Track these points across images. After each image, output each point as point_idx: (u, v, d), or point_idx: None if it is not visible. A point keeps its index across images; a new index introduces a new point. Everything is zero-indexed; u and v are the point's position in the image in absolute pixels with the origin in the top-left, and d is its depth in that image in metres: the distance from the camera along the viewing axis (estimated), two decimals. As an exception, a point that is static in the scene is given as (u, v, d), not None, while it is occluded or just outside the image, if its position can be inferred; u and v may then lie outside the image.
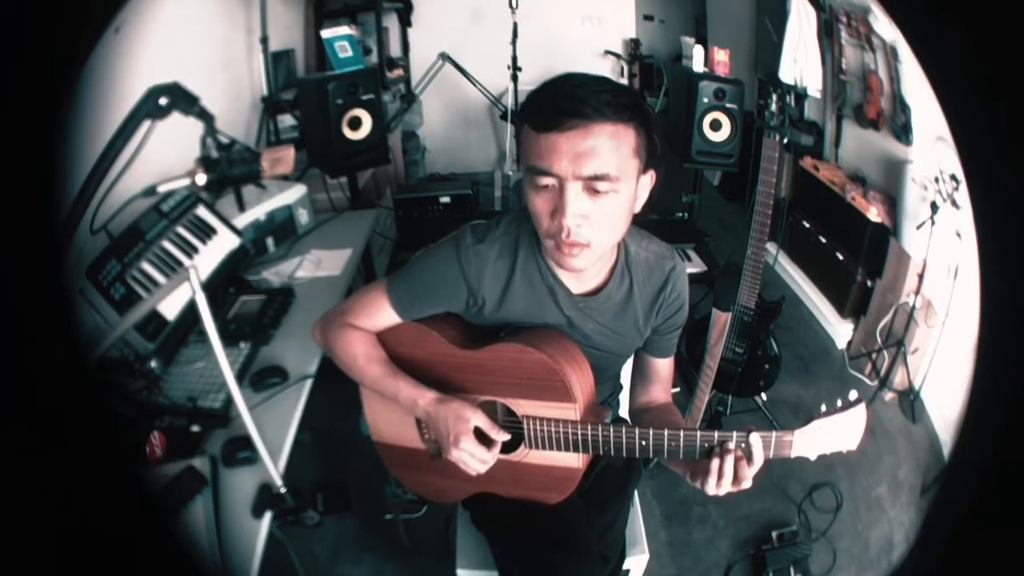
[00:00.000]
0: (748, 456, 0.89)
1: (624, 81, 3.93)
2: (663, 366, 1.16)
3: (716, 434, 0.90)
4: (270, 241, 1.86)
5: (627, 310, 1.04)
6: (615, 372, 1.21)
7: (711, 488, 0.90)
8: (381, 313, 1.05)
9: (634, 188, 0.88)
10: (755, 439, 0.88)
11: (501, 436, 0.99)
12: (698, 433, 0.91)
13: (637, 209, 0.92)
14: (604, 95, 0.81)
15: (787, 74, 2.73)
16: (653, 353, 1.14)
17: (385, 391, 1.05)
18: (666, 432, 0.93)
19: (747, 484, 0.89)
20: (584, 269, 0.93)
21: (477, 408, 0.99)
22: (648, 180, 0.91)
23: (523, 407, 1.01)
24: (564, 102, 0.80)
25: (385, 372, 1.04)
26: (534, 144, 0.83)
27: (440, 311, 1.05)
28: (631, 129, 0.83)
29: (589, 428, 0.97)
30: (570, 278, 1.00)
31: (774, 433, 0.89)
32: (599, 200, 0.84)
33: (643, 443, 0.94)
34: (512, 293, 1.00)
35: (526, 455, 1.04)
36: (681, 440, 0.92)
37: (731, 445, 0.89)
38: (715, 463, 0.89)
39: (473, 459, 0.98)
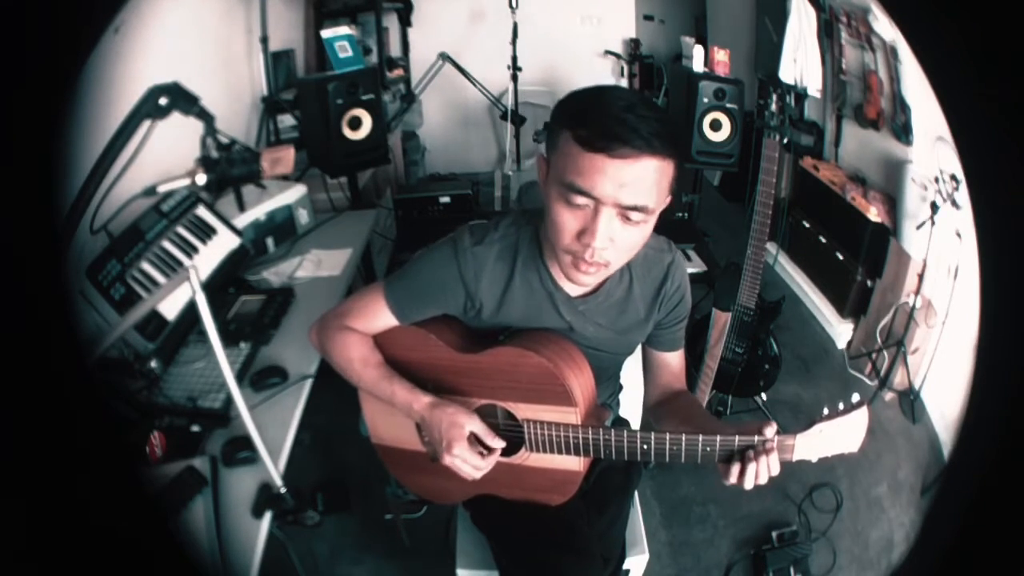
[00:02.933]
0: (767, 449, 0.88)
1: (624, 81, 3.93)
2: (674, 359, 1.15)
3: (718, 438, 0.90)
4: (270, 241, 1.86)
5: (628, 308, 1.04)
6: (616, 371, 1.21)
7: (748, 482, 0.89)
8: (378, 316, 1.04)
9: (657, 216, 0.87)
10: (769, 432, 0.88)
11: (497, 443, 0.99)
12: (700, 437, 0.90)
13: None
14: (654, 123, 0.78)
15: (787, 74, 2.73)
16: (662, 348, 1.13)
17: (381, 395, 1.04)
18: (668, 436, 0.92)
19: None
20: (592, 284, 0.94)
21: (473, 414, 0.99)
22: (664, 202, 0.90)
23: (523, 411, 1.00)
24: (617, 126, 0.78)
25: (381, 376, 1.04)
26: (576, 160, 0.80)
27: (438, 313, 1.04)
28: (672, 164, 0.83)
29: (590, 432, 0.96)
30: (570, 283, 1.00)
31: (776, 437, 0.88)
32: (628, 227, 0.83)
33: (644, 447, 0.94)
34: (511, 297, 1.00)
35: (527, 458, 1.04)
36: (683, 444, 0.91)
37: (770, 445, 0.88)
38: (751, 464, 0.88)
39: (467, 465, 0.97)
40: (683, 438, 0.91)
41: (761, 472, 0.88)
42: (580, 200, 0.82)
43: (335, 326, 1.07)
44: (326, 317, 1.10)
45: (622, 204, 0.80)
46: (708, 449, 0.91)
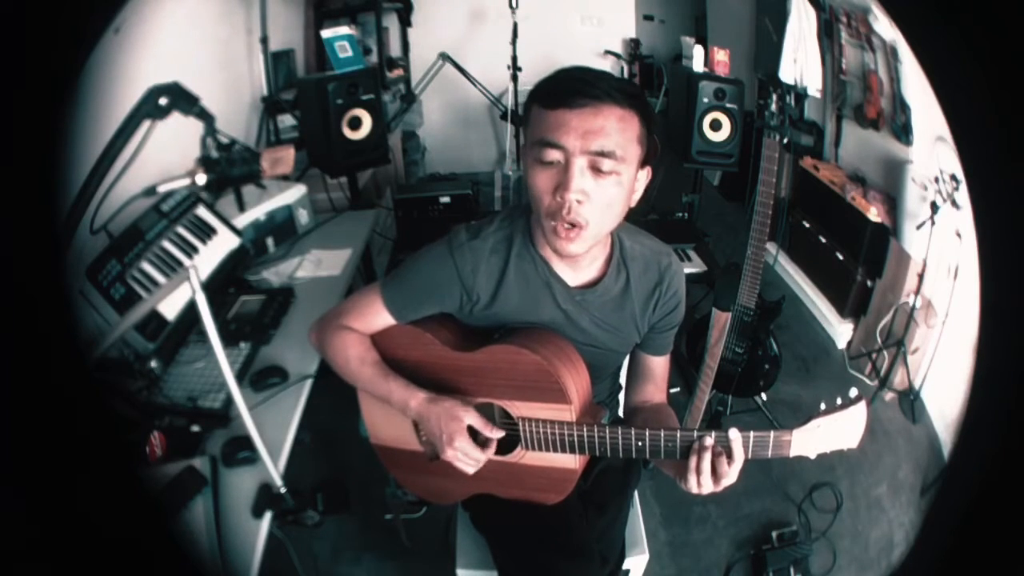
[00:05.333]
0: (728, 453, 0.89)
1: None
2: (658, 364, 1.15)
3: (712, 434, 0.90)
4: (270, 241, 1.86)
5: (624, 304, 1.05)
6: (613, 369, 1.21)
7: (692, 486, 0.91)
8: (376, 316, 1.05)
9: (633, 177, 0.90)
10: (734, 434, 0.88)
11: (495, 433, 0.99)
12: (694, 432, 0.91)
13: (633, 203, 0.94)
14: (612, 81, 0.86)
15: (787, 74, 2.73)
16: (648, 351, 1.14)
17: (377, 393, 1.05)
18: (662, 432, 0.92)
19: (729, 481, 0.90)
20: (580, 254, 0.94)
21: (470, 407, 0.99)
22: (645, 176, 0.94)
23: (519, 409, 1.00)
24: (576, 83, 0.85)
25: (377, 373, 1.04)
26: (543, 120, 0.86)
27: (435, 311, 1.05)
28: (636, 117, 0.87)
29: (585, 429, 0.96)
30: (566, 271, 1.00)
31: (772, 433, 0.89)
32: (601, 181, 0.86)
33: (639, 444, 0.94)
34: (506, 289, 1.00)
35: (523, 456, 1.04)
36: (678, 441, 0.92)
37: (708, 442, 0.89)
38: (692, 460, 0.90)
39: (467, 458, 0.98)
40: (677, 434, 0.92)
41: (697, 471, 0.89)
42: (551, 155, 0.86)
43: (333, 326, 1.08)
44: (325, 318, 1.11)
45: (590, 150, 0.84)
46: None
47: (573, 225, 0.88)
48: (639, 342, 1.12)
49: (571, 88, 0.84)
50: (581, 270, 1.01)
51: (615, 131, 0.85)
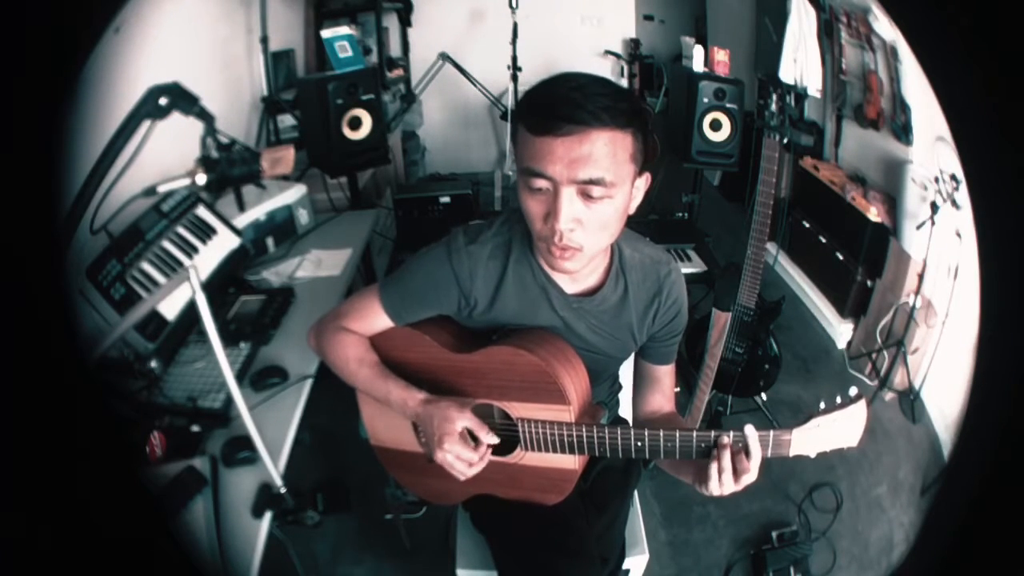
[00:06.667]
0: (745, 450, 0.88)
1: (624, 81, 3.93)
2: (664, 374, 1.15)
3: (712, 433, 0.90)
4: (270, 241, 1.86)
5: (622, 313, 1.04)
6: (611, 373, 1.21)
7: (714, 487, 0.90)
8: (374, 317, 1.05)
9: (628, 192, 0.88)
10: (749, 430, 0.87)
11: (490, 438, 0.98)
12: (694, 433, 0.91)
13: (632, 211, 0.92)
14: (602, 99, 0.79)
15: (787, 74, 2.73)
16: (653, 360, 1.14)
17: (376, 393, 1.05)
18: (661, 432, 0.92)
19: (751, 478, 0.89)
20: (576, 271, 0.93)
21: (467, 410, 0.98)
22: (643, 182, 0.91)
23: (518, 410, 1.00)
24: (561, 106, 0.79)
25: (376, 374, 1.04)
26: (529, 146, 0.83)
27: (433, 314, 1.04)
28: (628, 135, 0.83)
29: (584, 430, 0.96)
30: (563, 278, 1.00)
31: (772, 432, 0.88)
32: (593, 205, 0.84)
33: (639, 444, 0.94)
34: (504, 293, 1.00)
35: (522, 457, 1.04)
36: (677, 440, 0.92)
37: (725, 440, 0.89)
38: (713, 462, 0.89)
39: (459, 461, 0.96)
40: (676, 434, 0.91)
41: (719, 470, 0.88)
42: (539, 183, 0.83)
43: (332, 328, 1.08)
44: (323, 320, 1.11)
45: (577, 180, 0.81)
46: (702, 445, 0.91)
47: (566, 248, 0.87)
48: (640, 350, 1.12)
49: (555, 112, 0.79)
50: (580, 279, 1.00)
51: (604, 156, 0.80)
